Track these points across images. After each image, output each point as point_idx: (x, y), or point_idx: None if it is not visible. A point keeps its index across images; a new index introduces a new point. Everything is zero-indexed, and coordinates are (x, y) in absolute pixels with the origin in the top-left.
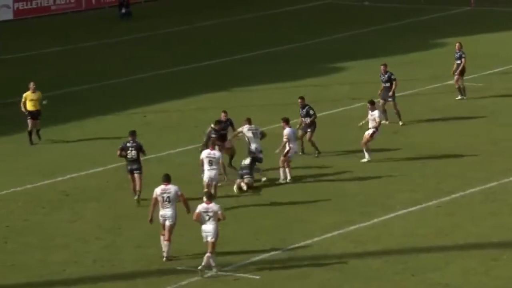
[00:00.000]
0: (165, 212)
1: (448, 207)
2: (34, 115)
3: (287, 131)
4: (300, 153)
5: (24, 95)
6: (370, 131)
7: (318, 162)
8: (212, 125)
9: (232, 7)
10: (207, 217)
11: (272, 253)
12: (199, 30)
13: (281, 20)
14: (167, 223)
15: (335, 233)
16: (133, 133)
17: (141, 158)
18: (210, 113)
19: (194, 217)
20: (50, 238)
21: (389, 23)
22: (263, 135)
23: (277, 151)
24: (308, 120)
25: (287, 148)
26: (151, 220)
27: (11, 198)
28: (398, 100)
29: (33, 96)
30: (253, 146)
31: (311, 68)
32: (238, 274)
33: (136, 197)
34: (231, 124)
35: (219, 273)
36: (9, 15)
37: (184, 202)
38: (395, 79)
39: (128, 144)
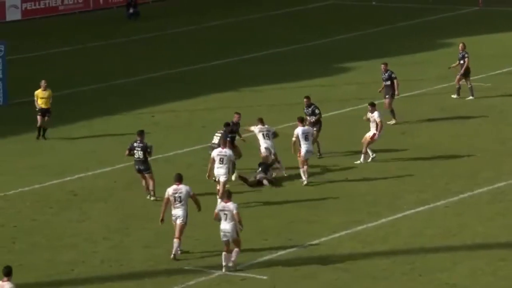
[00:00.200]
0: (176, 212)
1: (456, 207)
2: (43, 112)
3: (296, 130)
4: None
5: (36, 92)
6: (370, 133)
7: (326, 162)
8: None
9: (240, 7)
10: (224, 216)
11: (280, 253)
12: (207, 30)
13: (289, 20)
14: (178, 221)
15: (343, 233)
16: (141, 133)
17: (149, 158)
18: (218, 113)
19: (214, 216)
20: (58, 238)
21: (396, 23)
22: (275, 135)
23: (292, 151)
24: (313, 118)
25: (300, 148)
26: (162, 220)
27: (19, 198)
28: (405, 99)
29: (43, 94)
30: (262, 148)
31: (319, 68)
32: (245, 274)
33: (151, 197)
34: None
35: (227, 273)
36: (17, 15)
37: (195, 202)
38: (395, 78)
39: (135, 144)
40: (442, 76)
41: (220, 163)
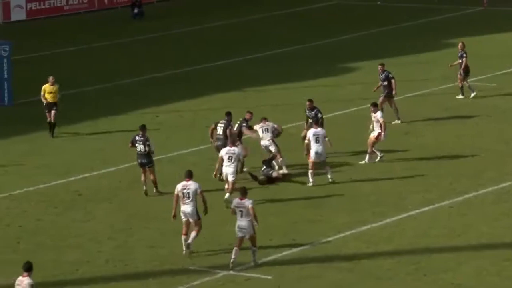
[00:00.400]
0: (185, 208)
1: (460, 208)
2: (50, 106)
3: (308, 132)
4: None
5: (43, 87)
6: (375, 133)
7: (330, 162)
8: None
9: (244, 7)
10: (239, 213)
11: (284, 253)
12: (211, 30)
13: (294, 20)
14: (191, 220)
15: (348, 233)
16: (143, 128)
17: (152, 154)
18: (222, 113)
19: (231, 213)
20: (62, 238)
21: (401, 23)
22: (274, 129)
23: (305, 153)
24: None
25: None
26: (174, 216)
27: (24, 198)
28: (410, 100)
29: (51, 89)
30: (262, 144)
31: (323, 68)
32: (249, 274)
33: (154, 191)
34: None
35: (231, 272)
36: (22, 15)
37: (203, 200)
38: (393, 78)
39: (137, 138)
40: (447, 76)
41: (228, 161)
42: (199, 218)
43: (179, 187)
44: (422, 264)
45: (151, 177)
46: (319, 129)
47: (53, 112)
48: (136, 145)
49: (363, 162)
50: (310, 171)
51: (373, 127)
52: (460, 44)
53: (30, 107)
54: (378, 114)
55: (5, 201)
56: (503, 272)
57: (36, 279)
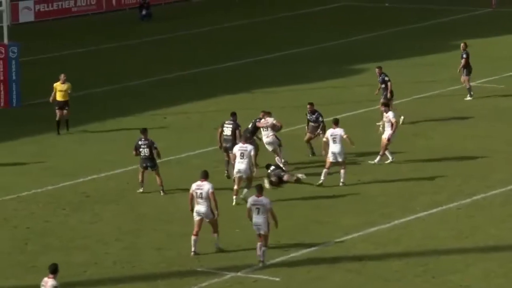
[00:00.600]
0: (199, 208)
1: (468, 209)
2: (61, 105)
3: (327, 132)
4: (311, 155)
5: (54, 85)
6: (386, 134)
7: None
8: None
9: (251, 9)
10: (256, 210)
11: (292, 254)
12: (219, 31)
13: (302, 22)
14: (207, 220)
15: (356, 234)
16: (144, 131)
17: (155, 156)
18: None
19: (246, 213)
20: (70, 239)
21: (409, 24)
22: (273, 127)
23: (323, 153)
24: (315, 125)
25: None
26: (192, 210)
27: (32, 200)
28: (418, 101)
29: (62, 87)
30: (264, 142)
31: (331, 70)
32: (257, 276)
33: (161, 193)
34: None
35: (238, 274)
36: (30, 17)
37: (214, 201)
38: (388, 81)
39: (140, 142)
40: (455, 78)
41: (240, 158)
42: (214, 217)
43: (193, 186)
44: (430, 266)
45: (158, 180)
46: (337, 129)
47: (65, 111)
48: (140, 149)
49: (372, 162)
50: (324, 170)
51: (383, 127)
52: (462, 44)
53: (38, 109)
54: (390, 114)
55: (13, 202)
56: (511, 274)
57: None
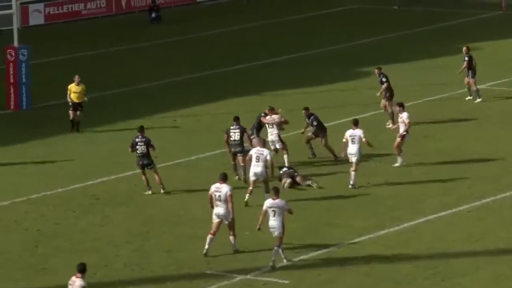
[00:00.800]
0: (218, 210)
1: (478, 212)
2: (75, 106)
3: (346, 132)
4: (311, 156)
5: (69, 87)
6: (401, 134)
7: (348, 166)
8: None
9: (260, 11)
10: (272, 213)
11: (302, 257)
12: (229, 34)
13: (311, 25)
14: (225, 222)
15: (365, 237)
16: (141, 129)
17: (151, 151)
18: (240, 118)
19: (262, 214)
20: (80, 241)
21: (418, 27)
22: (279, 125)
23: (342, 155)
24: (313, 129)
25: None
26: (212, 207)
27: (42, 202)
28: (428, 104)
29: (76, 89)
30: (269, 140)
31: (340, 73)
32: (267, 279)
33: (161, 190)
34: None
35: (248, 276)
36: (40, 20)
37: (230, 204)
38: (385, 82)
39: (137, 140)
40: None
41: (256, 161)
42: (233, 218)
43: (212, 188)
44: (440, 269)
45: (156, 178)
46: (356, 130)
47: (78, 113)
48: (137, 147)
49: (396, 165)
50: (352, 172)
51: (398, 127)
52: (464, 48)
53: (48, 111)
54: (404, 115)
55: (24, 205)
56: None
57: (54, 283)
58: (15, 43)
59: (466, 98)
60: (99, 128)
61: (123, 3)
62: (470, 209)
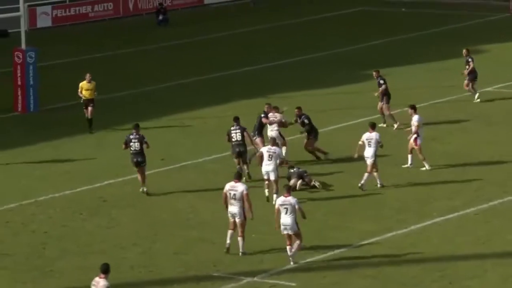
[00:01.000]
0: (232, 209)
1: (485, 215)
2: (86, 103)
3: (363, 135)
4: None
5: (80, 84)
6: (412, 138)
7: (354, 169)
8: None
9: (268, 14)
10: (284, 210)
11: (308, 260)
12: (236, 36)
13: (317, 27)
14: (237, 220)
15: (372, 239)
16: (136, 126)
17: (145, 148)
18: (246, 119)
19: (275, 212)
20: (88, 244)
21: (426, 29)
22: (279, 123)
23: (355, 155)
24: (304, 129)
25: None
26: (226, 207)
27: (49, 204)
28: (436, 106)
29: (88, 86)
30: (269, 135)
31: (347, 75)
32: (274, 281)
33: (141, 189)
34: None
35: (255, 279)
36: (47, 22)
37: (247, 202)
38: (382, 84)
39: (131, 137)
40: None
41: (268, 160)
42: (245, 219)
43: (227, 187)
44: (448, 272)
45: (141, 177)
46: (373, 133)
47: (90, 108)
48: (131, 143)
49: (424, 168)
50: (375, 173)
51: (410, 130)
52: (464, 50)
53: (55, 114)
54: (415, 118)
55: (31, 207)
56: None
57: (61, 285)
58: (23, 46)
59: (474, 101)
60: (106, 130)
61: (131, 6)
62: (477, 212)
